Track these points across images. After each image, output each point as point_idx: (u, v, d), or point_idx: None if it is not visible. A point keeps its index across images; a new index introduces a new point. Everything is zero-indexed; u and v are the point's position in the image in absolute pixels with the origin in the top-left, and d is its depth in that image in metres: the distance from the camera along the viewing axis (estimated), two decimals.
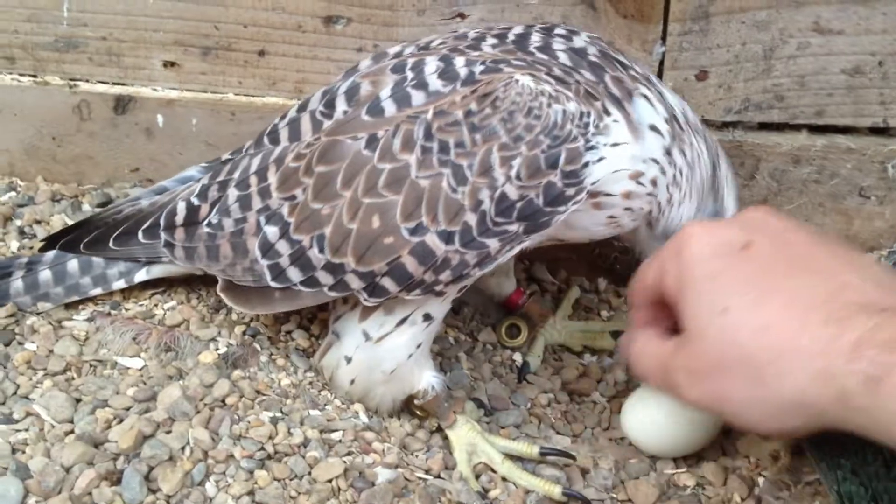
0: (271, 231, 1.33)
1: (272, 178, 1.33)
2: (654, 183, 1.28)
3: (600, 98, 1.24)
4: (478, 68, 1.25)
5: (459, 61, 1.27)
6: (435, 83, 1.25)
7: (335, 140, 1.27)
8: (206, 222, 1.40)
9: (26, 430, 1.31)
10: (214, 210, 1.40)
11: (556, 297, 1.72)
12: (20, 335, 1.49)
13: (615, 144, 1.24)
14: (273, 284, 1.35)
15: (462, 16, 1.58)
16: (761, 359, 1.07)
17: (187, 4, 1.64)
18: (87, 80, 1.74)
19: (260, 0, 1.62)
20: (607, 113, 1.24)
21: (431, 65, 1.28)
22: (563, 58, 1.29)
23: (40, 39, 1.71)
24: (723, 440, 1.44)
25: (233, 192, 1.38)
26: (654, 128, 1.28)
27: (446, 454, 1.40)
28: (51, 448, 1.28)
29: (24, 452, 1.28)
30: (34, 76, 1.75)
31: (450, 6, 1.58)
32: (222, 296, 1.44)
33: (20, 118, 1.77)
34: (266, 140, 1.41)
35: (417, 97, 1.25)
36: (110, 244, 1.50)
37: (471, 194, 1.21)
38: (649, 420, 1.40)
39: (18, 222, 1.71)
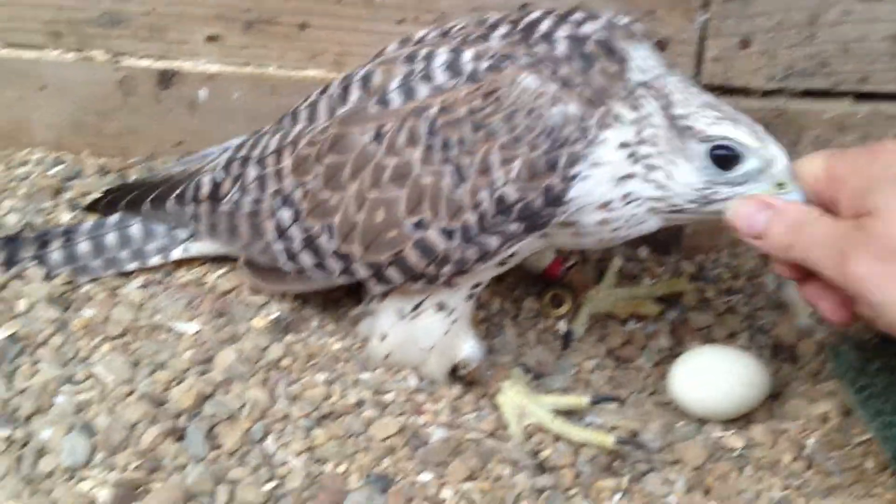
0: (285, 215, 1.35)
1: (286, 162, 1.35)
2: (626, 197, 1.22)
3: (605, 104, 1.20)
4: (483, 64, 1.24)
5: (467, 55, 1.26)
6: (440, 77, 1.25)
7: (345, 131, 1.29)
8: (226, 199, 1.43)
9: (90, 389, 1.34)
10: (235, 187, 1.43)
11: (596, 266, 1.72)
12: (76, 301, 1.52)
13: (596, 164, 1.20)
14: (286, 267, 1.38)
15: None
16: None
17: None
18: (131, 56, 1.75)
19: None
20: (606, 125, 1.19)
21: (440, 57, 1.27)
22: (562, 48, 1.24)
23: (84, 15, 1.72)
24: (771, 403, 1.45)
25: (252, 171, 1.41)
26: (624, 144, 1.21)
27: (498, 416, 1.40)
28: (114, 407, 1.31)
29: (88, 412, 1.31)
30: (79, 51, 1.76)
31: None
32: (241, 271, 1.49)
33: (65, 94, 1.78)
34: (287, 119, 1.43)
35: (422, 90, 1.25)
36: (147, 205, 1.54)
37: (471, 193, 1.21)
38: (697, 383, 1.41)
39: (68, 195, 1.73)
